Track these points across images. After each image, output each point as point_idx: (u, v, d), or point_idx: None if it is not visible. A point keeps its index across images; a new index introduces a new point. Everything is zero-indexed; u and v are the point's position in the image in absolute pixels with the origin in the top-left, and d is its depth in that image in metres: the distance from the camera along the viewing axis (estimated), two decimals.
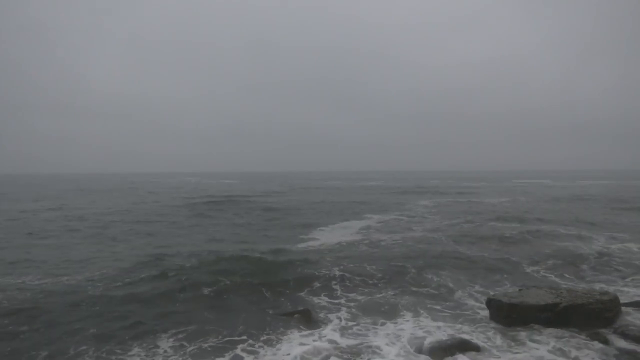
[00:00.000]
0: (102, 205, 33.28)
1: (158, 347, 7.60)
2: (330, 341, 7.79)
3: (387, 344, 7.73)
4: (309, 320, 8.83)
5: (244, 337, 8.00)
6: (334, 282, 11.30)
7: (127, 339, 7.82)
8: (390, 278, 11.65)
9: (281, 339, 7.91)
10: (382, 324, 8.67)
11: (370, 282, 11.32)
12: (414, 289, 10.90)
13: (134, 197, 45.19)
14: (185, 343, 7.76)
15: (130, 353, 7.36)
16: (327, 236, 18.83)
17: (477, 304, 9.57)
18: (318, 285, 11.08)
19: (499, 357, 7.15)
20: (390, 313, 9.23)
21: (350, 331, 8.35)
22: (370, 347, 7.59)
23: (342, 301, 10.01)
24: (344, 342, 7.78)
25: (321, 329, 8.45)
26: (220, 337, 8.02)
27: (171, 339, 7.87)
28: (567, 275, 12.00)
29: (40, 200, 39.42)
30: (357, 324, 8.65)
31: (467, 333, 8.14)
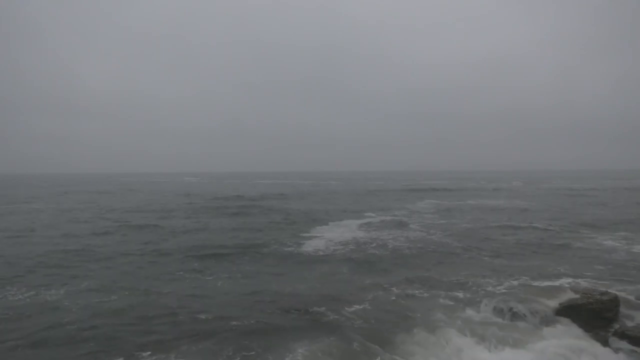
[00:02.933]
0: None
1: None
2: None
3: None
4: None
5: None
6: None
7: None
8: (389, 277, 11.70)
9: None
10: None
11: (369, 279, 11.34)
12: (410, 285, 10.94)
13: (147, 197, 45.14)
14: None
15: None
16: (331, 235, 18.84)
17: (477, 304, 9.55)
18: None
19: (499, 357, 7.16)
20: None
21: None
22: None
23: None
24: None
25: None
26: None
27: None
28: (562, 270, 12.07)
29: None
30: None
31: (466, 333, 8.14)
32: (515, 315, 8.52)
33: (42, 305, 9.49)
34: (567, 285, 10.58)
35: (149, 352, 7.15)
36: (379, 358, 7.06)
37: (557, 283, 10.95)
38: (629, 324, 8.34)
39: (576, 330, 8.00)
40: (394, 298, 10.08)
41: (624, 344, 7.47)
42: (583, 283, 11.10)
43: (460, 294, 10.18)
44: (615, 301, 8.75)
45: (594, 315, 8.28)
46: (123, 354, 7.11)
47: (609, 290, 9.55)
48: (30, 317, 8.78)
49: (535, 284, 10.94)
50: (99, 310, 9.10)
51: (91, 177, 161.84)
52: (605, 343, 7.52)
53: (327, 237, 18.36)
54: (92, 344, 7.50)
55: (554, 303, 8.86)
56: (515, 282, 11.16)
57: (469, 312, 8.99)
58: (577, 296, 8.83)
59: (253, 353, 7.17)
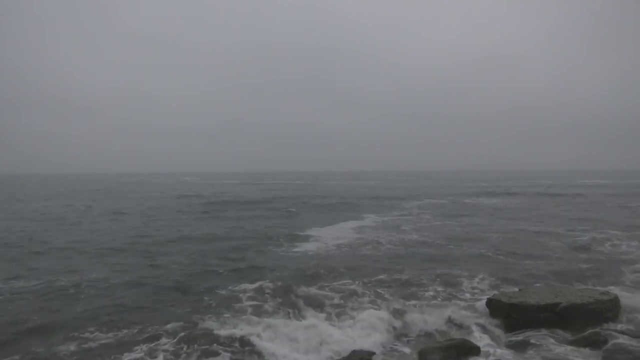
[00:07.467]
0: None
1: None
2: None
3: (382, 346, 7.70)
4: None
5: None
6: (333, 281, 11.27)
7: None
8: (383, 276, 11.65)
9: None
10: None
11: (365, 279, 11.28)
12: (408, 286, 10.88)
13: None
14: None
15: None
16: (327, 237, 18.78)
17: (477, 304, 9.51)
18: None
19: (499, 359, 7.11)
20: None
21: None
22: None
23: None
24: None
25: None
26: None
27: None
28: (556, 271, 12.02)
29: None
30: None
31: (466, 334, 8.10)
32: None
33: None
34: (564, 286, 10.53)
35: None
36: None
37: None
38: (629, 324, 8.30)
39: (576, 330, 7.94)
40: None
41: (624, 344, 7.40)
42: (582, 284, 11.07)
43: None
44: (615, 301, 8.70)
45: (594, 315, 8.23)
46: None
47: (609, 290, 9.50)
48: None
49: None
50: None
51: (97, 177, 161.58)
52: (605, 343, 7.44)
53: (322, 238, 18.27)
54: None
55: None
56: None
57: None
58: (577, 296, 8.75)
59: None
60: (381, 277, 11.65)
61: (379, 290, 10.45)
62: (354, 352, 7.27)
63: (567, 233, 18.90)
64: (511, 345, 7.60)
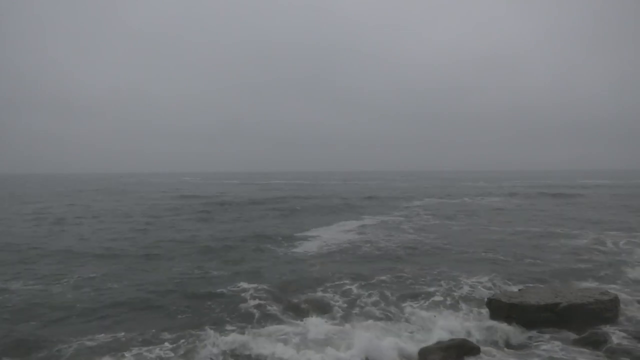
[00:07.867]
0: None
1: None
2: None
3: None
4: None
5: None
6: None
7: None
8: (384, 277, 11.65)
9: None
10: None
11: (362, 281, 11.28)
12: (410, 287, 10.88)
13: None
14: None
15: None
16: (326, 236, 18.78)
17: (477, 304, 9.51)
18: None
19: (499, 359, 7.11)
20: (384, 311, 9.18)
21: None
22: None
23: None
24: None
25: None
26: None
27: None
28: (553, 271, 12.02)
29: None
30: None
31: (466, 334, 8.09)
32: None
33: None
34: (564, 286, 10.53)
35: None
36: None
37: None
38: (629, 323, 8.29)
39: (576, 330, 7.94)
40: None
41: (624, 344, 7.40)
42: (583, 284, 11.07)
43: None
44: (615, 301, 8.70)
45: (594, 315, 8.22)
46: None
47: (609, 290, 9.48)
48: None
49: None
50: None
51: (97, 177, 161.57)
52: (605, 343, 7.44)
53: (323, 238, 18.27)
54: None
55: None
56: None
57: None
58: (577, 296, 8.75)
59: None
60: (382, 277, 11.67)
61: (380, 291, 10.45)
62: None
63: (567, 233, 18.94)
64: (511, 346, 7.60)
